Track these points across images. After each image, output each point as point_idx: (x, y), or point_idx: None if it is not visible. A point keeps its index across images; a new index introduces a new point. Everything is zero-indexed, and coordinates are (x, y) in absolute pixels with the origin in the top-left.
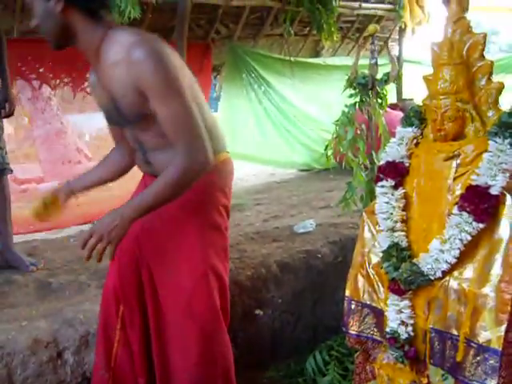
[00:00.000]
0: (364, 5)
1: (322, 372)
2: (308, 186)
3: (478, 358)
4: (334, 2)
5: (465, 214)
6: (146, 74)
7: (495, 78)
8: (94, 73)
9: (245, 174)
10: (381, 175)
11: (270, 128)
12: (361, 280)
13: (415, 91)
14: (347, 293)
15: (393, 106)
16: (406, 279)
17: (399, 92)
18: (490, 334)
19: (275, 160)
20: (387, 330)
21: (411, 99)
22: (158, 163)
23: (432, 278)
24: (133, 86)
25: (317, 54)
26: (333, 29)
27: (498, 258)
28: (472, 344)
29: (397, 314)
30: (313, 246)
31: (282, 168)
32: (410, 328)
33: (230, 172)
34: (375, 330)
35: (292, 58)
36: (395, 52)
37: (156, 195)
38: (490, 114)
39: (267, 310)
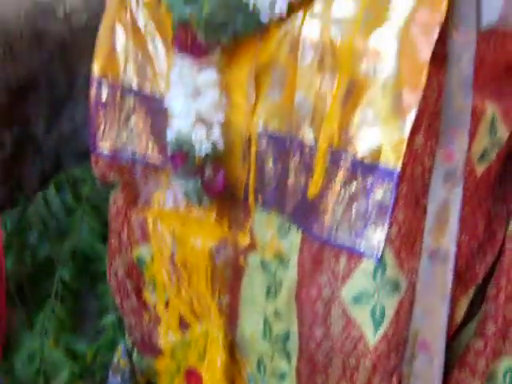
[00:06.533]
0: None
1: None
2: None
3: (353, 189)
4: None
5: None
6: None
7: None
8: None
9: None
10: None
11: None
12: (121, 37)
13: None
14: (95, 68)
15: None
16: (210, 22)
17: None
18: (380, 136)
19: None
20: (168, 135)
21: None
22: None
23: (265, 20)
24: None
25: None
26: None
27: None
28: (342, 163)
29: (188, 97)
30: None
31: None
32: (216, 130)
33: None
34: (149, 141)
35: None
36: None
37: None
38: None
39: None
